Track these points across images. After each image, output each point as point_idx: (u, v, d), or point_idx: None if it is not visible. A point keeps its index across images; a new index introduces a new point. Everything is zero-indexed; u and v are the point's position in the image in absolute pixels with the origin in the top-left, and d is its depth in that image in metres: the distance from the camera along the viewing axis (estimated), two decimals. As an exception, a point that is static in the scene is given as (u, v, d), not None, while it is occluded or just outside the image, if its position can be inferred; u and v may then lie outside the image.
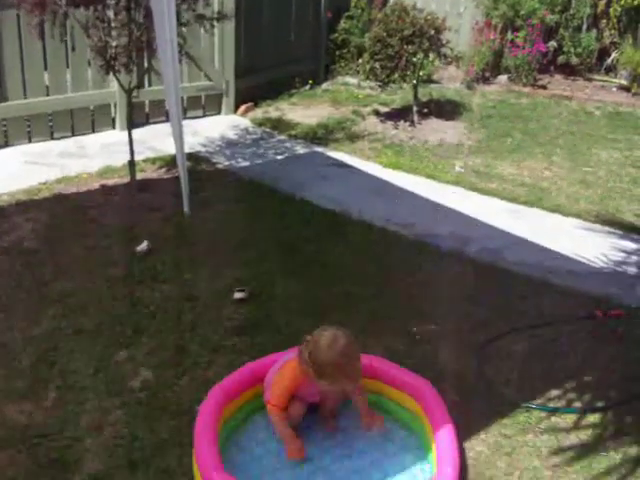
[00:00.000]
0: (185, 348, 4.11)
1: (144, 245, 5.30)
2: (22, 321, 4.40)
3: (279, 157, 7.89)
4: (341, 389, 3.23)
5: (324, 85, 11.05)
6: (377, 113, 9.43)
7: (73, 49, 7.67)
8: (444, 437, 3.05)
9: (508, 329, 4.37)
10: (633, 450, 3.38)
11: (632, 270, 5.35)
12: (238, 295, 4.64)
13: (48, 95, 7.76)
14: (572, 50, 11.39)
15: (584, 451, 3.38)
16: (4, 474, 3.16)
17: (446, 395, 3.51)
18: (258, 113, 9.44)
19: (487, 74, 11.32)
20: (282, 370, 3.30)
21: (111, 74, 6.40)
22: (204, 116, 9.26)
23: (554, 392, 3.81)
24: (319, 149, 8.15)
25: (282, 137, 8.59)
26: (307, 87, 10.69)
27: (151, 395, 3.69)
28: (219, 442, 3.03)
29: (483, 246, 5.63)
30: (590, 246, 5.72)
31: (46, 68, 7.68)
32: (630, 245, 5.80)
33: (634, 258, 5.56)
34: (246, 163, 7.58)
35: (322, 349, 3.05)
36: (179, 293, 4.74)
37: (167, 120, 7.83)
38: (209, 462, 2.83)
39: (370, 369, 3.48)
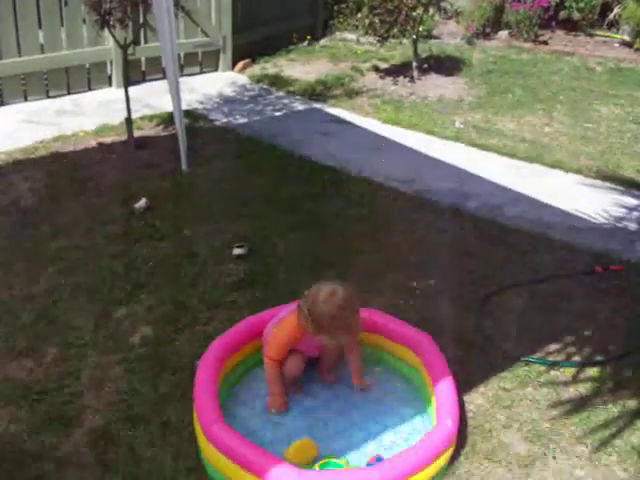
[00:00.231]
0: (184, 304, 4.11)
1: (142, 202, 5.27)
2: (21, 279, 4.39)
3: (277, 114, 7.83)
4: (340, 343, 3.22)
5: (322, 41, 10.94)
6: (376, 69, 9.34)
7: (66, 3, 7.54)
8: (444, 390, 3.05)
9: (508, 284, 4.36)
10: (631, 403, 3.40)
11: (632, 226, 5.33)
12: (237, 251, 4.63)
13: (43, 53, 7.67)
14: (574, 5, 11.25)
15: (583, 404, 3.39)
16: (6, 430, 3.17)
17: (446, 349, 3.50)
18: (256, 69, 9.35)
19: (488, 30, 11.21)
20: (280, 324, 3.29)
21: (106, 30, 6.32)
22: (201, 73, 9.18)
23: (553, 346, 3.81)
24: (318, 105, 8.09)
25: (280, 93, 8.51)
26: (305, 43, 10.59)
27: (151, 351, 3.69)
28: (219, 396, 3.04)
29: (483, 202, 5.60)
30: (590, 202, 5.69)
31: (40, 26, 7.57)
32: (630, 201, 5.78)
33: (635, 214, 5.54)
34: (244, 120, 7.52)
35: (320, 302, 3.03)
36: (178, 250, 4.72)
37: (164, 77, 7.74)
38: (209, 415, 2.83)
39: (370, 323, 3.48)
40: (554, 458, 3.04)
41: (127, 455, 2.99)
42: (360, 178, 5.95)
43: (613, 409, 3.35)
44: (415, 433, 3.10)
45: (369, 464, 2.84)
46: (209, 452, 2.80)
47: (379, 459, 2.85)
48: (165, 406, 3.28)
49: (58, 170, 6.09)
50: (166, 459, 2.95)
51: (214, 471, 2.81)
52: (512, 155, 6.70)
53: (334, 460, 2.87)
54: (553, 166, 6.47)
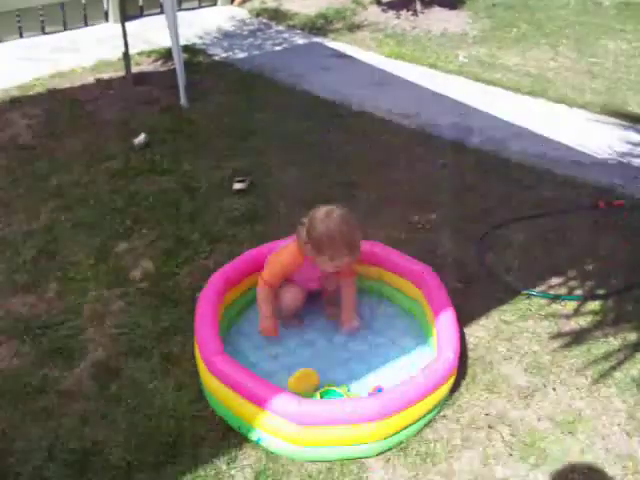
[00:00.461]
0: (185, 238, 4.09)
1: (142, 137, 5.22)
2: (21, 216, 4.38)
3: (277, 48, 7.70)
4: (338, 268, 3.15)
5: (322, -27, 10.68)
6: (378, 2, 9.13)
7: None
8: (445, 322, 3.05)
9: (510, 218, 4.33)
10: (632, 336, 3.40)
11: (636, 162, 5.26)
12: (238, 186, 4.59)
13: (38, -12, 7.50)
14: None
15: (583, 337, 3.39)
16: (9, 364, 3.19)
17: (447, 282, 3.49)
18: (255, 3, 9.15)
19: (493, -39, 10.89)
20: (280, 251, 3.28)
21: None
22: (199, 7, 8.99)
23: (555, 280, 3.80)
24: (318, 40, 7.94)
25: (280, 28, 8.36)
26: (305, -24, 10.31)
27: (152, 285, 3.69)
28: (220, 328, 3.04)
29: (486, 136, 5.54)
30: (595, 137, 5.62)
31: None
32: (635, 137, 5.69)
33: (639, 150, 5.46)
34: (244, 54, 7.40)
35: (318, 221, 3.01)
36: (178, 184, 4.69)
37: (161, 12, 7.62)
38: (210, 347, 2.83)
39: (371, 255, 3.47)
40: (554, 390, 3.06)
41: (130, 387, 3.01)
42: (362, 113, 5.87)
43: (614, 342, 3.35)
44: (416, 365, 3.10)
45: (370, 394, 2.86)
46: (211, 383, 2.81)
47: (380, 390, 2.86)
48: (167, 339, 3.29)
49: (56, 107, 6.02)
50: (168, 391, 2.97)
51: (216, 402, 2.84)
52: (516, 90, 6.60)
53: (334, 389, 2.89)
54: (558, 101, 6.37)
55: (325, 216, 3.01)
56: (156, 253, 3.96)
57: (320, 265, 3.11)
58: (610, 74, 7.11)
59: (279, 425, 2.62)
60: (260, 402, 2.63)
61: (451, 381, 2.91)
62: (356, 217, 3.12)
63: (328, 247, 2.99)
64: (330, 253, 3.01)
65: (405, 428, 2.73)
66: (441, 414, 2.91)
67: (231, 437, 2.77)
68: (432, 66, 7.13)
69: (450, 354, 2.87)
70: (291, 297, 3.27)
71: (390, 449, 2.73)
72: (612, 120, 5.99)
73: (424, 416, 2.79)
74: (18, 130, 5.60)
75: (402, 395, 2.67)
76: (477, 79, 6.83)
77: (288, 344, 3.25)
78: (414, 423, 2.76)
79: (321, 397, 2.85)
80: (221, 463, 2.66)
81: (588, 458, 2.72)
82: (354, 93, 6.22)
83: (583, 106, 6.25)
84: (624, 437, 2.82)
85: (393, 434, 2.70)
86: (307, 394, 2.84)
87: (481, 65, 7.21)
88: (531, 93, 6.52)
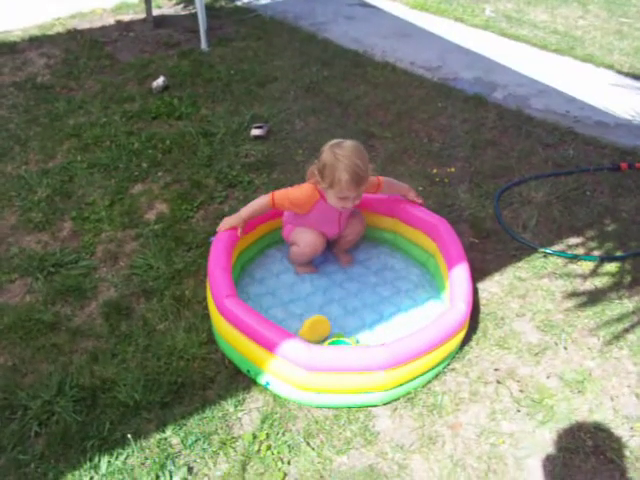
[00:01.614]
0: (201, 183, 4.07)
1: (160, 81, 5.17)
2: (37, 155, 4.37)
3: (301, -5, 7.57)
4: (345, 200, 3.04)
5: None
6: (406, -48, 8.94)
7: None
8: (458, 275, 3.02)
9: (530, 175, 4.27)
10: (647, 299, 3.37)
11: (662, 124, 5.18)
12: (256, 132, 4.55)
13: None
14: None
15: (598, 297, 3.35)
16: (22, 300, 3.21)
17: (463, 237, 3.47)
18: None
19: None
20: (297, 185, 3.22)
21: None
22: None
23: (573, 240, 3.74)
24: (343, -12, 7.79)
25: (304, -25, 8.20)
26: None
27: (166, 227, 3.68)
28: (233, 274, 3.03)
29: (510, 92, 5.45)
30: (620, 98, 5.51)
31: None
32: (662, 99, 5.59)
33: (665, 112, 5.37)
34: (267, 0, 7.29)
35: (328, 147, 3.00)
36: (196, 129, 4.64)
37: (184, -46, 7.47)
38: (222, 289, 2.82)
39: (387, 206, 3.44)
40: (565, 348, 3.03)
41: (140, 327, 3.02)
42: (384, 63, 5.78)
43: (628, 304, 3.31)
44: (428, 317, 3.08)
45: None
46: (221, 326, 2.81)
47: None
48: (179, 281, 3.29)
49: (75, 47, 5.99)
50: (179, 332, 2.98)
51: (225, 345, 2.84)
52: (543, 47, 6.48)
53: (343, 339, 2.88)
54: (584, 60, 6.25)
55: (336, 144, 3.00)
56: (171, 196, 3.95)
57: (328, 199, 3.07)
58: (640, 35, 6.96)
59: (288, 370, 2.62)
60: (270, 347, 2.62)
61: (462, 333, 2.89)
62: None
63: (331, 172, 2.94)
64: (333, 180, 2.95)
65: (414, 379, 2.72)
66: (450, 367, 2.90)
67: (239, 380, 2.79)
68: (457, 19, 7.02)
69: (462, 305, 2.84)
70: (310, 240, 3.23)
71: (397, 399, 2.73)
72: (639, 82, 5.87)
73: (433, 368, 2.78)
74: (37, 69, 5.57)
75: (411, 345, 2.66)
76: (503, 34, 6.72)
77: (300, 291, 3.23)
78: (423, 374, 2.75)
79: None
80: (228, 405, 2.68)
81: (596, 418, 2.70)
82: (377, 43, 6.13)
83: (610, 66, 6.13)
84: (633, 399, 2.80)
85: (401, 384, 2.69)
86: (316, 342, 2.84)
87: (508, 20, 7.08)
88: (557, 51, 6.40)
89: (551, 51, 6.41)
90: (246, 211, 3.18)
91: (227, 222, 3.17)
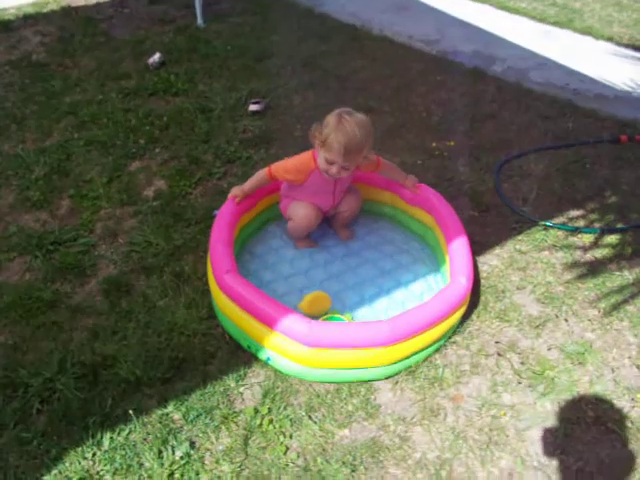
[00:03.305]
0: (199, 159, 4.05)
1: (156, 57, 5.13)
2: (34, 133, 4.35)
3: (297, -31, 7.47)
4: (331, 168, 2.98)
5: None
6: None
7: None
8: (458, 249, 3.00)
9: (530, 148, 4.25)
10: (647, 271, 3.36)
11: (662, 96, 5.15)
12: (253, 107, 4.52)
13: None
14: None
15: (598, 269, 3.35)
16: (22, 278, 3.20)
17: (462, 210, 3.46)
18: None
19: None
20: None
21: None
22: None
23: (573, 212, 3.73)
24: (340, -39, 7.71)
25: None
26: None
27: (165, 204, 3.67)
28: (234, 249, 3.02)
29: (509, 65, 5.42)
30: (620, 70, 5.47)
31: None
32: (662, 70, 5.55)
33: (665, 84, 5.34)
34: (263, -25, 7.20)
35: (336, 112, 2.95)
36: (193, 105, 4.62)
37: None
38: (223, 264, 2.81)
39: (384, 180, 3.42)
40: (566, 320, 3.03)
41: (140, 304, 3.02)
42: (382, 37, 5.75)
43: (628, 276, 3.30)
44: (428, 291, 3.09)
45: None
46: (221, 301, 2.80)
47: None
48: (179, 258, 3.28)
49: (70, 25, 5.94)
50: (179, 308, 2.97)
51: (226, 320, 2.83)
52: (542, 19, 6.44)
53: (338, 315, 2.88)
54: (584, 32, 6.21)
55: (347, 110, 2.95)
56: (169, 173, 3.93)
57: (318, 159, 3.02)
58: (640, 6, 6.90)
59: (289, 345, 2.61)
60: (271, 322, 2.62)
61: (463, 308, 2.89)
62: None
63: (329, 131, 2.90)
64: (327, 139, 2.90)
65: (415, 353, 2.72)
66: (451, 340, 2.90)
67: (240, 356, 2.78)
68: (456, -8, 6.94)
69: (462, 279, 2.83)
70: (305, 213, 3.21)
71: (399, 373, 2.73)
72: (638, 54, 5.83)
73: (435, 342, 2.78)
74: (32, 47, 5.53)
75: (413, 320, 2.65)
76: (502, 7, 6.68)
77: (300, 266, 3.22)
78: (424, 349, 2.75)
79: (324, 322, 2.83)
80: (230, 380, 2.68)
81: (597, 389, 2.71)
82: (374, 17, 6.08)
83: (610, 38, 6.09)
84: (634, 370, 2.80)
85: (403, 359, 2.69)
86: (313, 318, 2.83)
87: (506, -8, 7.01)
88: (556, 23, 6.36)
89: (550, 24, 6.36)
90: (248, 184, 3.21)
91: (232, 191, 3.20)
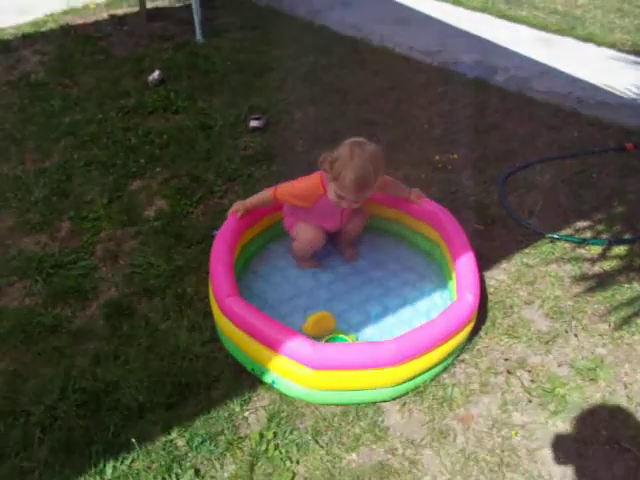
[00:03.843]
0: (200, 177, 4.01)
1: (156, 74, 5.11)
2: (33, 154, 4.32)
3: (296, -17, 7.46)
4: (341, 200, 2.94)
5: None
6: None
7: None
8: (464, 265, 2.95)
9: (534, 159, 4.21)
10: (658, 282, 3.31)
11: (666, 103, 5.10)
12: (254, 123, 4.49)
13: None
14: None
15: (607, 282, 3.29)
16: (22, 303, 3.16)
17: (468, 224, 3.40)
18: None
19: None
20: (302, 178, 3.15)
21: None
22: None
23: (580, 224, 3.68)
24: (338, -26, 7.70)
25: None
26: None
27: (166, 224, 3.62)
28: (236, 268, 2.98)
29: (511, 75, 5.39)
30: (623, 77, 5.43)
31: None
32: (666, 77, 5.51)
33: (669, 90, 5.29)
34: (262, -11, 7.20)
35: (348, 143, 2.88)
36: (193, 122, 4.59)
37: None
38: (225, 288, 2.76)
39: (389, 196, 3.37)
40: (576, 335, 2.98)
41: (142, 327, 2.97)
42: (382, 49, 5.72)
43: (638, 288, 3.25)
44: (434, 308, 3.04)
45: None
46: (225, 325, 2.75)
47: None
48: (181, 279, 3.24)
49: (69, 43, 5.93)
50: (181, 331, 2.93)
51: (230, 344, 2.78)
52: (543, 27, 6.41)
53: (342, 336, 2.83)
54: (586, 39, 6.18)
55: (359, 142, 2.89)
56: (170, 192, 3.89)
57: (328, 191, 2.98)
58: (641, 12, 6.87)
59: (294, 368, 2.56)
60: (274, 345, 2.57)
61: (470, 325, 2.83)
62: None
63: (340, 167, 2.83)
64: (339, 175, 2.84)
65: (423, 373, 2.67)
66: (459, 358, 2.85)
67: (245, 379, 2.73)
68: (456, 2, 6.97)
69: (469, 296, 2.78)
70: (310, 236, 3.17)
71: (406, 393, 2.68)
72: (641, 60, 5.81)
73: (442, 361, 2.73)
74: (31, 67, 5.52)
75: (420, 339, 2.60)
76: (502, 16, 6.66)
77: (304, 285, 3.18)
78: (432, 368, 2.70)
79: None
80: (234, 405, 2.63)
81: (609, 406, 2.65)
82: (374, 29, 6.06)
83: (612, 45, 6.06)
84: (647, 385, 2.76)
85: (410, 379, 2.64)
86: (316, 339, 2.78)
87: (507, 1, 7.02)
88: (558, 31, 6.33)
89: (552, 31, 6.34)
90: (250, 201, 3.17)
91: (234, 205, 3.16)
